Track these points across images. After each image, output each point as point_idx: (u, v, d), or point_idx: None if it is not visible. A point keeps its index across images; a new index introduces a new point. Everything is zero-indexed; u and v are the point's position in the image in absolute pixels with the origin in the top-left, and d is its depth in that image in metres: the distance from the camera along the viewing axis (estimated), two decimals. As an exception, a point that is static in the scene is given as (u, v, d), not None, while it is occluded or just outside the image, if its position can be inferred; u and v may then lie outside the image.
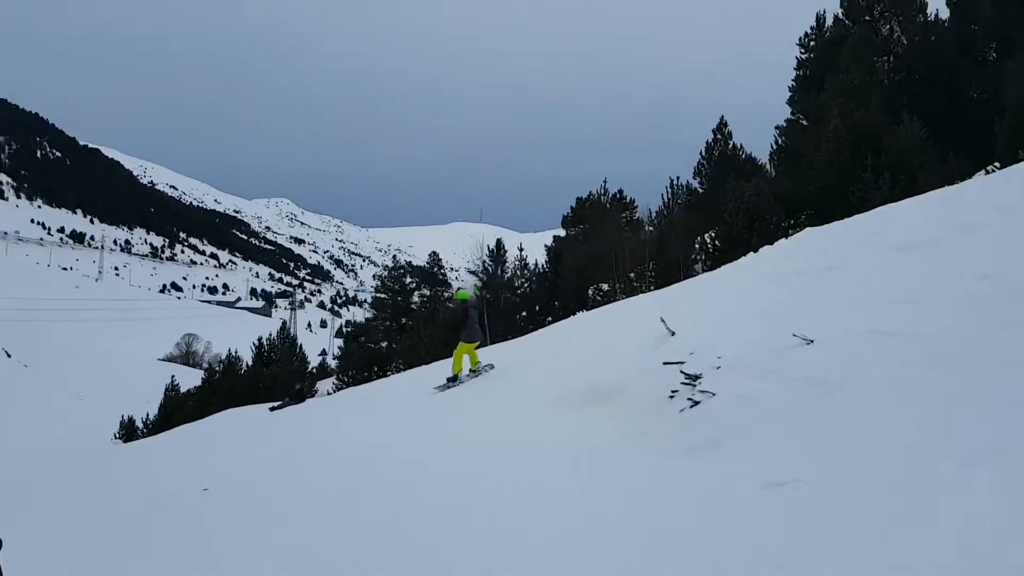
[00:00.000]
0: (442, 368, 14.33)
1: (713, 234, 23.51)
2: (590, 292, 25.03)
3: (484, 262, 25.61)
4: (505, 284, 25.73)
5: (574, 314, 19.03)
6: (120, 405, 43.99)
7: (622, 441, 6.67)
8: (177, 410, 37.01)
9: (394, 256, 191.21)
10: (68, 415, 50.89)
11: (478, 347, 12.55)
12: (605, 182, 32.78)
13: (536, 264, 26.62)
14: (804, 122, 28.41)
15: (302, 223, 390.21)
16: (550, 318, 26.01)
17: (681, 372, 7.01)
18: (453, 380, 12.08)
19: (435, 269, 46.45)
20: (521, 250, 27.10)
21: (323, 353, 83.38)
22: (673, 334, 9.03)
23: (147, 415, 38.95)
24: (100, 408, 50.66)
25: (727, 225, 21.50)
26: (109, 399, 53.96)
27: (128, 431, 39.92)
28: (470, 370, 12.28)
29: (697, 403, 6.55)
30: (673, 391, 7.01)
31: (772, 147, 27.33)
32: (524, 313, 25.88)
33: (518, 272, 26.15)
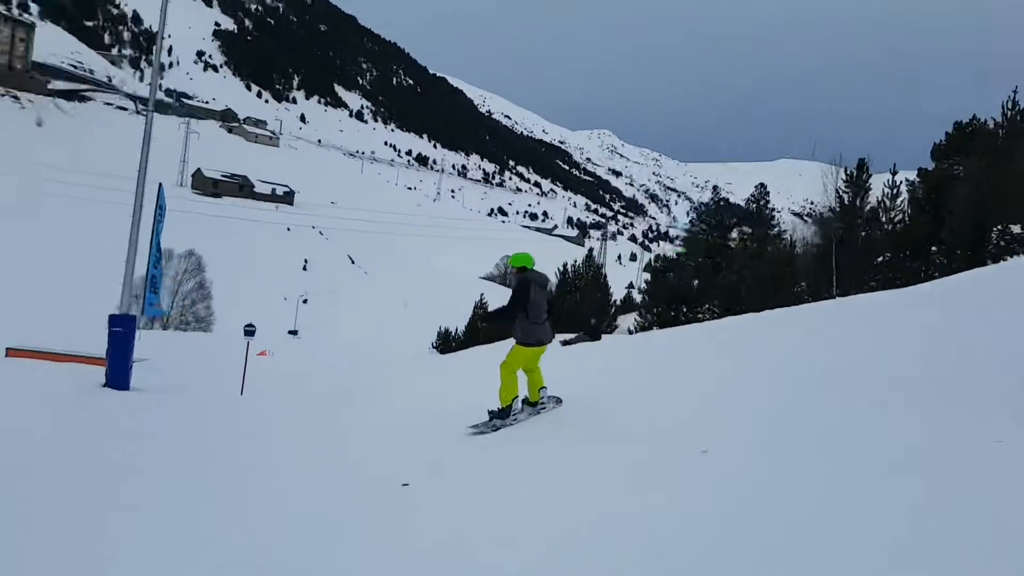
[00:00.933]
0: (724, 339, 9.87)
1: None
2: (993, 235, 17.90)
3: (839, 189, 19.80)
4: (865, 220, 19.61)
5: (983, 262, 12.90)
6: (440, 316, 46.80)
7: None
8: (480, 329, 37.55)
9: (714, 188, 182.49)
10: (395, 320, 56.60)
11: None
12: (1015, 91, 23.74)
13: (906, 197, 19.83)
14: None
15: (621, 155, 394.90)
16: (924, 267, 19.46)
17: None
18: (502, 415, 6.90)
19: (760, 204, 40.57)
20: (894, 173, 20.46)
21: (630, 286, 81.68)
22: None
23: (456, 329, 40.51)
24: (423, 317, 55.07)
25: None
26: (432, 309, 58.53)
27: (443, 342, 42.07)
28: (525, 401, 7.08)
29: None
30: None
31: None
32: (886, 256, 19.69)
33: (887, 203, 19.81)
